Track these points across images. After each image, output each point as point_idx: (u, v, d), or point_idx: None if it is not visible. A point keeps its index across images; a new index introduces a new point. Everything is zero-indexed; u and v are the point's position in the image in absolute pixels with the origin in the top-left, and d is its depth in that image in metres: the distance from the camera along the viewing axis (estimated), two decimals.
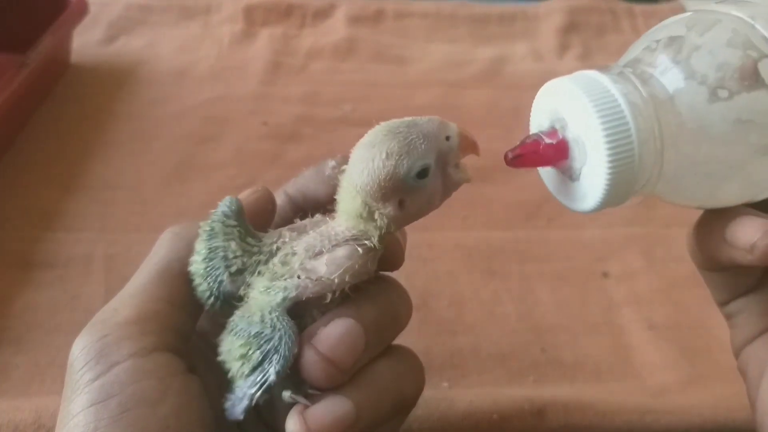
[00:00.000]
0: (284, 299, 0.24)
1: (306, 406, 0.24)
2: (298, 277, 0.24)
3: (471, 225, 0.51)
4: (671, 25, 0.25)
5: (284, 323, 0.23)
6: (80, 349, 0.24)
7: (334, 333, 0.24)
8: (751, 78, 0.23)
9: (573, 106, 0.23)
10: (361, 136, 0.25)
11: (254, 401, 0.23)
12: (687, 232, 0.27)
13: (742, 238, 0.24)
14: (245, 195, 0.28)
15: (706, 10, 0.25)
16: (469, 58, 0.71)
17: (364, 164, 0.24)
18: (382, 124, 0.24)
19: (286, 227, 0.26)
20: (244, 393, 0.23)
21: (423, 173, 0.24)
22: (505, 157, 0.24)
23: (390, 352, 0.26)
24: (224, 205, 0.26)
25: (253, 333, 0.23)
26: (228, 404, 0.24)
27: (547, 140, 0.24)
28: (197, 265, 0.25)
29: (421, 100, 0.64)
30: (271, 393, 0.23)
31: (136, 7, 0.73)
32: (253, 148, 0.57)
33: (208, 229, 0.25)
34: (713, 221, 0.25)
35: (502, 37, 0.75)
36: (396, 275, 0.28)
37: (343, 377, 0.24)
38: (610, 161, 0.22)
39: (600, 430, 0.37)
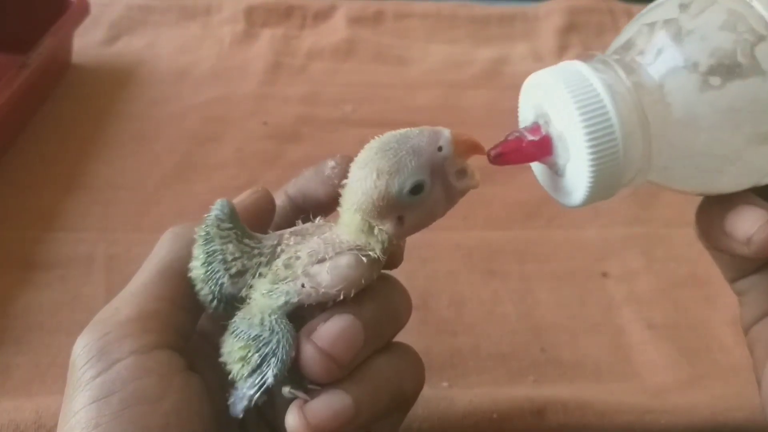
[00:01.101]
0: (286, 303, 0.24)
1: (305, 401, 0.24)
2: (303, 285, 0.24)
3: (471, 225, 0.51)
4: (665, 5, 0.23)
5: (282, 326, 0.24)
6: (82, 347, 0.24)
7: (333, 328, 0.24)
8: (746, 64, 0.21)
9: (554, 100, 0.22)
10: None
11: (253, 402, 0.23)
12: (693, 217, 0.26)
13: (739, 230, 0.23)
14: (245, 196, 0.28)
15: None
16: (469, 58, 0.71)
17: (358, 184, 0.24)
18: (376, 139, 0.24)
19: (289, 230, 0.26)
20: (243, 394, 0.24)
21: (417, 189, 0.23)
22: (488, 154, 0.24)
23: (390, 348, 0.26)
24: (217, 208, 0.26)
25: (252, 336, 0.24)
26: (230, 401, 0.24)
27: (530, 137, 0.23)
28: (197, 270, 0.25)
29: (421, 100, 0.64)
30: (270, 393, 0.24)
31: (136, 8, 0.73)
32: (254, 148, 0.57)
33: (203, 234, 0.25)
34: (713, 209, 0.24)
35: (502, 38, 0.75)
36: (396, 275, 0.28)
37: (342, 372, 0.24)
38: (592, 157, 0.21)
39: (599, 430, 0.37)
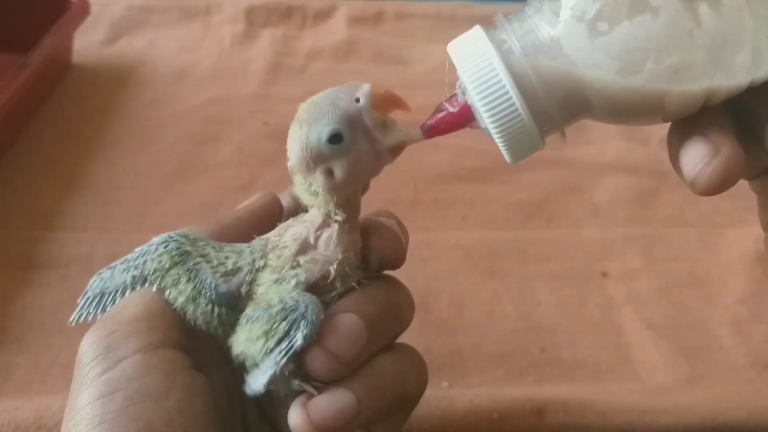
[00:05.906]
0: (297, 284, 0.25)
1: (308, 398, 0.24)
2: (299, 264, 0.25)
3: (471, 225, 0.51)
4: None
5: (306, 296, 0.24)
6: (89, 344, 0.24)
7: (336, 327, 0.24)
8: (633, 2, 0.21)
9: (459, 72, 0.23)
10: None
11: (279, 369, 0.23)
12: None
13: (685, 168, 0.22)
14: (253, 200, 0.29)
15: None
16: None
17: (289, 140, 0.25)
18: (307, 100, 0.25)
19: (272, 231, 0.27)
20: (267, 366, 0.23)
21: (335, 138, 0.24)
22: (422, 130, 0.25)
23: (393, 348, 0.27)
24: (173, 239, 0.26)
25: (275, 311, 0.24)
26: (249, 379, 0.24)
27: (450, 109, 0.24)
28: (184, 292, 0.25)
29: (421, 100, 0.63)
30: (272, 391, 0.23)
31: (137, 8, 0.73)
32: (254, 148, 0.57)
33: (176, 259, 0.26)
34: (674, 138, 0.23)
35: None
36: (396, 275, 0.28)
37: (345, 370, 0.24)
38: (495, 124, 0.22)
39: (599, 430, 0.37)
